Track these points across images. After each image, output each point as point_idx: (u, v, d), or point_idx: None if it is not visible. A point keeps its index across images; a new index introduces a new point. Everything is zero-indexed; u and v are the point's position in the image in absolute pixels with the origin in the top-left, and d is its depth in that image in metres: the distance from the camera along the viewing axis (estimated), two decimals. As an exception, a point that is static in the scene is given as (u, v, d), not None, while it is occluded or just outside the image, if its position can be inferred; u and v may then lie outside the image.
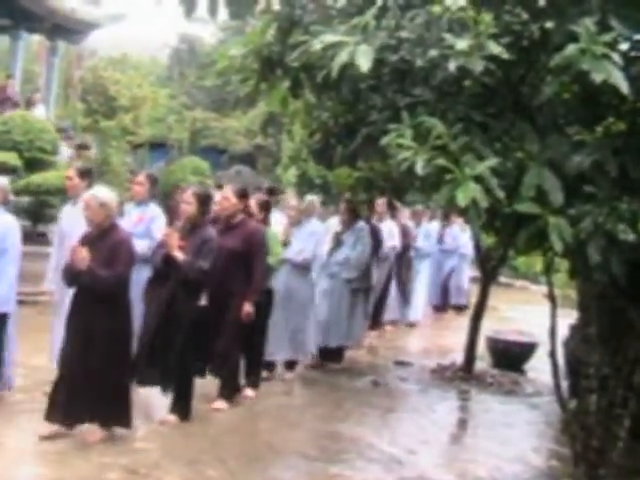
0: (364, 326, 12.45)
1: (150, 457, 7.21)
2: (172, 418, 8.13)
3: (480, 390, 11.28)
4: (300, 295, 10.34)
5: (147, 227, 9.08)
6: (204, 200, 8.26)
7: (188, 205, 8.14)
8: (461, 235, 17.71)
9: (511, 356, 12.73)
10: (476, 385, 11.47)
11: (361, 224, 11.79)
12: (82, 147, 18.78)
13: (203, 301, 8.32)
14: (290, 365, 10.68)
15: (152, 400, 8.45)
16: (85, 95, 31.65)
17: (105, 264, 7.13)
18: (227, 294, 8.72)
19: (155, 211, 9.33)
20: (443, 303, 18.00)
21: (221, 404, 8.77)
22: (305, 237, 10.30)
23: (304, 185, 9.61)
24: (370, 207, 10.47)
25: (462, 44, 4.37)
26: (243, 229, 8.91)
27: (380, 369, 12.13)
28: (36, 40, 32.07)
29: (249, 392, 9.43)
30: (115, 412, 7.45)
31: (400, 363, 12.45)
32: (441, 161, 4.39)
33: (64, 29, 26.89)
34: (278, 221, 10.28)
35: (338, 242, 11.24)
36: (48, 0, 23.96)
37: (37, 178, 13.85)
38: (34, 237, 13.90)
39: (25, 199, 14.45)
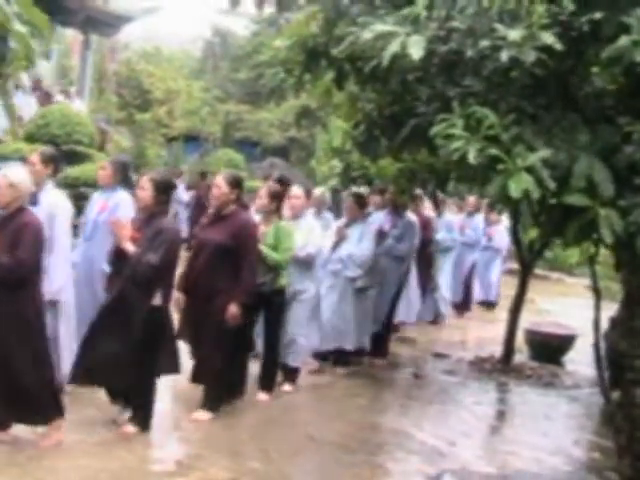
0: (371, 327, 11.10)
1: (193, 449, 7.26)
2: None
3: (519, 382, 11.22)
4: (303, 295, 9.28)
5: (111, 214, 8.38)
6: (162, 187, 7.37)
7: (143, 192, 7.35)
8: (486, 228, 17.14)
9: (549, 348, 12.68)
10: (515, 377, 11.40)
11: (406, 219, 11.44)
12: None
13: (157, 301, 7.19)
14: (290, 374, 9.47)
15: (193, 392, 8.40)
16: (119, 88, 31.77)
17: (9, 249, 6.52)
18: (211, 293, 7.86)
19: (121, 197, 8.73)
20: (465, 300, 16.77)
21: (202, 415, 8.00)
22: (308, 230, 9.32)
23: (347, 177, 9.40)
24: (413, 199, 10.04)
25: (515, 35, 4.35)
26: (233, 221, 8.02)
27: (419, 361, 12.10)
28: (70, 34, 32.29)
29: (262, 396, 8.83)
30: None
31: (438, 355, 12.42)
32: (493, 151, 4.37)
33: (97, 22, 27.03)
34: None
35: (341, 237, 10.23)
36: (81, -7, 24.08)
37: (74, 171, 13.83)
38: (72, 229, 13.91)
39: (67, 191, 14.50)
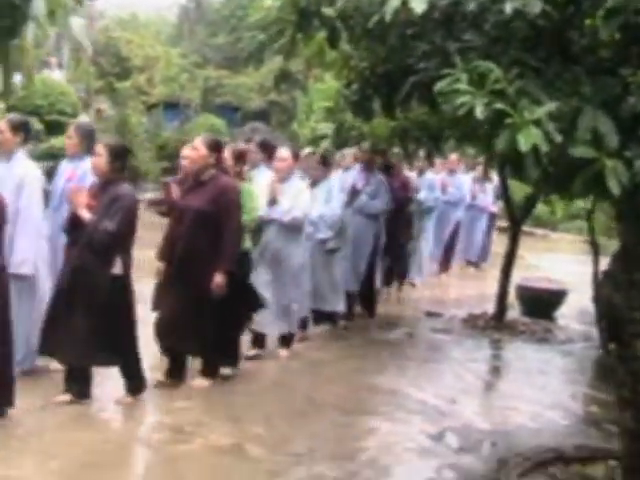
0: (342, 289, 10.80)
1: (193, 415, 7.21)
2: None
3: (513, 338, 11.27)
4: (290, 261, 9.08)
5: (80, 183, 7.90)
6: (117, 153, 7.15)
7: (98, 158, 7.13)
8: (475, 186, 16.98)
9: (541, 304, 12.71)
10: (508, 334, 11.43)
11: (378, 176, 11.35)
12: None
13: (117, 269, 7.03)
14: (285, 340, 9.42)
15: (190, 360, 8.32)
16: (97, 57, 31.50)
17: None
18: (194, 262, 7.67)
19: (89, 165, 8.02)
20: (445, 260, 16.48)
21: (202, 382, 7.99)
22: (295, 194, 9.05)
23: (340, 138, 9.19)
24: (408, 158, 9.85)
25: (519, -16, 4.27)
26: (213, 186, 7.78)
27: (411, 320, 12.14)
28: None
29: (226, 370, 8.35)
30: None
31: (431, 314, 12.44)
32: (500, 105, 4.30)
33: (73, -10, 26.75)
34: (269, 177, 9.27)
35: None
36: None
37: (58, 142, 13.75)
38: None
39: (47, 163, 14.37)
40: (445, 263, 16.52)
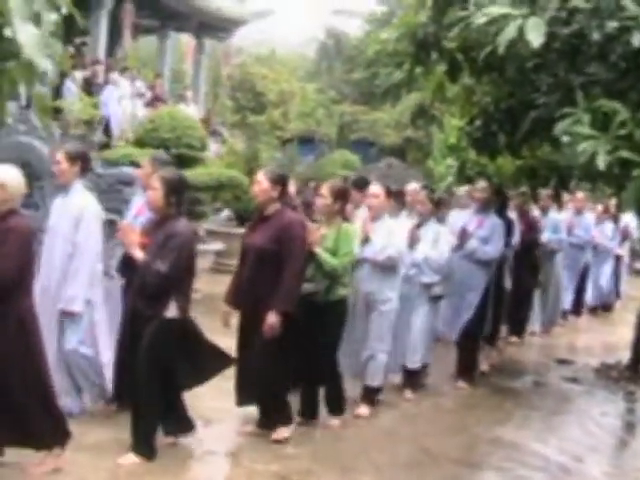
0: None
1: (302, 463, 6.94)
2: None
3: (648, 391, 10.67)
4: (385, 306, 8.28)
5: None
6: (173, 186, 6.55)
7: (153, 192, 6.61)
8: (596, 226, 15.94)
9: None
10: (644, 386, 10.84)
11: (494, 219, 10.07)
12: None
13: (172, 312, 6.53)
14: (369, 395, 8.54)
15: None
16: (234, 92, 31.92)
17: None
18: (256, 303, 7.15)
19: None
20: (577, 304, 15.58)
21: (282, 433, 7.38)
22: (388, 232, 8.31)
23: (462, 175, 8.74)
24: (534, 198, 9.29)
25: (649, 13, 3.87)
26: (277, 221, 7.21)
27: (540, 368, 11.69)
28: (184, 41, 32.84)
29: (333, 421, 7.96)
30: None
31: (561, 361, 11.92)
32: (625, 154, 3.85)
33: (210, 27, 27.38)
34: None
35: (414, 239, 8.92)
36: (194, -1, 24.33)
37: (186, 175, 13.73)
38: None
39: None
40: (576, 308, 15.71)
